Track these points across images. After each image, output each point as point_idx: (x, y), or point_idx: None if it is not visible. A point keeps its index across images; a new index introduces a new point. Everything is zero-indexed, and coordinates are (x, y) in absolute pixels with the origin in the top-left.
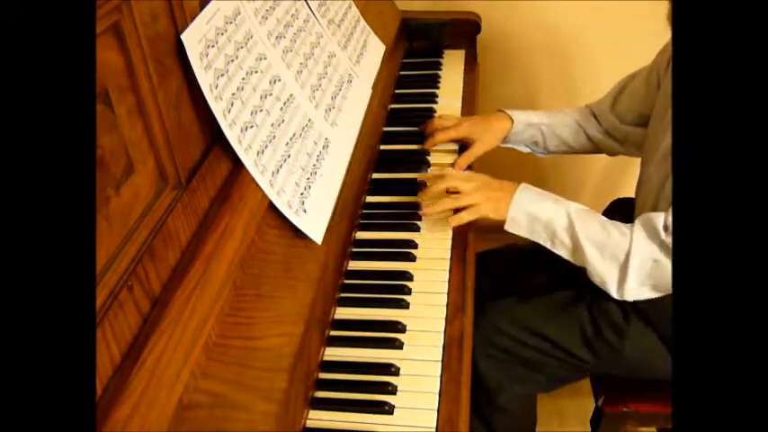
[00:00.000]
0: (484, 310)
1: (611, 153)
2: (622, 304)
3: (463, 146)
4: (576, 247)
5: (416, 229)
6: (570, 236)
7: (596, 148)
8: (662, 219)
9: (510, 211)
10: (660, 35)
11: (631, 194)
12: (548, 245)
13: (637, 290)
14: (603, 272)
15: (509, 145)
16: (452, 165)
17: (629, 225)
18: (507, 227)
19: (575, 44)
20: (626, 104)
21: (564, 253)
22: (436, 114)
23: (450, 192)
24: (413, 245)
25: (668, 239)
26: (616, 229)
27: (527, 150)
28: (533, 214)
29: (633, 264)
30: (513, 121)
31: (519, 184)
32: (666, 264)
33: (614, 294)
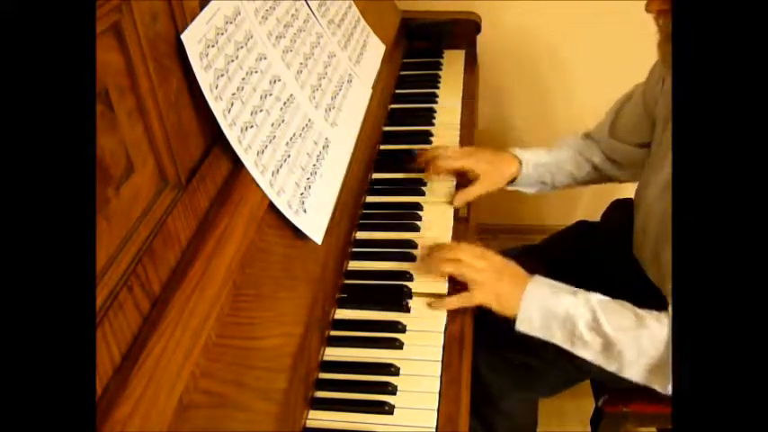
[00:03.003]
0: (486, 317)
1: (615, 180)
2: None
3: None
4: (606, 344)
5: (416, 229)
6: (597, 332)
7: (601, 177)
8: None
9: (521, 308)
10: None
11: (631, 195)
12: (567, 345)
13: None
14: (643, 362)
15: (515, 187)
16: (450, 201)
17: (661, 313)
18: (518, 327)
19: (576, 44)
20: (624, 128)
21: (587, 354)
22: (433, 146)
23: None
24: (413, 245)
25: None
26: (649, 315)
27: (533, 191)
28: (548, 310)
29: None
30: (521, 164)
31: (531, 276)
32: None
33: (661, 388)
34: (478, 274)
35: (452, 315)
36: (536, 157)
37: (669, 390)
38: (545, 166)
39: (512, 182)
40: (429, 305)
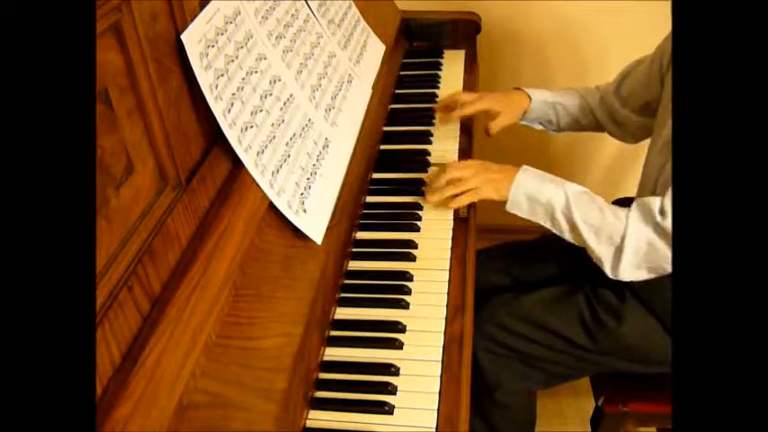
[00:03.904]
0: (483, 305)
1: (612, 135)
2: (617, 286)
3: (467, 131)
4: (573, 228)
5: (416, 229)
6: (567, 218)
7: (601, 129)
8: (658, 202)
9: (511, 192)
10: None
11: (633, 194)
12: (548, 225)
13: (632, 272)
14: (600, 253)
15: (524, 122)
16: (485, 130)
17: (625, 209)
18: (508, 207)
19: (575, 45)
20: (629, 90)
21: (563, 234)
22: (450, 94)
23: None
24: (413, 245)
25: (663, 222)
26: (612, 211)
27: (540, 127)
28: (534, 196)
29: (628, 246)
30: (530, 99)
31: (519, 168)
32: (662, 247)
33: (610, 275)
34: (474, 180)
35: (452, 315)
36: (543, 95)
37: (616, 276)
38: (551, 104)
39: (522, 117)
40: (446, 205)
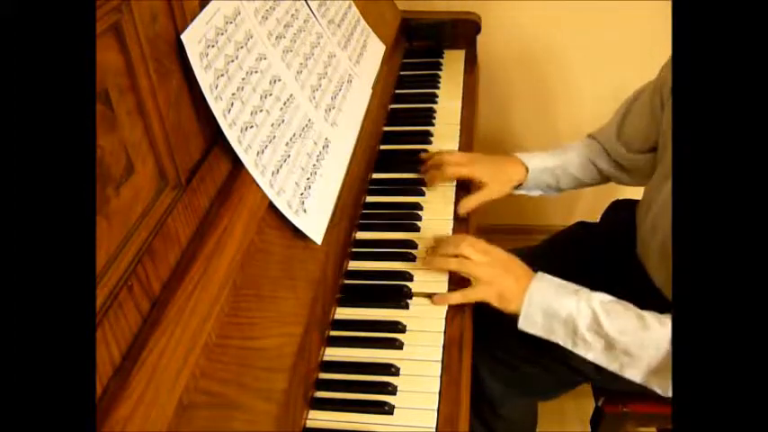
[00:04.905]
0: (486, 322)
1: (622, 184)
2: None
3: (467, 130)
4: (608, 345)
5: (416, 229)
6: (597, 333)
7: (607, 180)
8: None
9: (524, 308)
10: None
11: (632, 195)
12: (568, 345)
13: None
14: (646, 364)
15: (521, 192)
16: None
17: (666, 315)
18: (521, 326)
19: (576, 44)
20: (631, 131)
21: (589, 354)
22: (436, 150)
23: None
24: (413, 245)
25: None
26: (652, 317)
27: (539, 194)
28: (551, 310)
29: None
30: (527, 169)
31: (534, 274)
32: None
33: (662, 391)
34: (482, 270)
35: (452, 315)
36: (542, 162)
37: (669, 392)
38: (551, 170)
39: (517, 186)
40: (430, 299)
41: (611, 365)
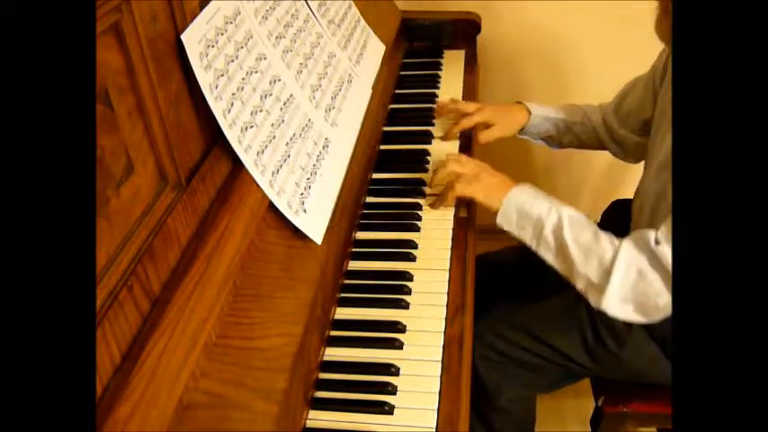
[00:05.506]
0: (482, 313)
1: (614, 155)
2: None
3: (467, 135)
4: (561, 248)
5: (416, 229)
6: (556, 237)
7: (603, 147)
8: (653, 233)
9: (503, 204)
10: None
11: (631, 195)
12: (533, 244)
13: (617, 305)
14: (587, 273)
15: (524, 136)
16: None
17: (620, 239)
18: (498, 221)
19: (576, 43)
20: (628, 109)
21: (548, 256)
22: (447, 98)
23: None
24: (413, 245)
25: (659, 251)
26: (607, 237)
27: (541, 143)
28: (525, 210)
29: (617, 270)
30: (530, 114)
31: (516, 183)
32: (654, 280)
33: (594, 302)
34: (469, 167)
35: (452, 315)
36: (545, 111)
37: (601, 306)
38: (552, 121)
39: (522, 132)
40: (429, 206)
41: (562, 269)
